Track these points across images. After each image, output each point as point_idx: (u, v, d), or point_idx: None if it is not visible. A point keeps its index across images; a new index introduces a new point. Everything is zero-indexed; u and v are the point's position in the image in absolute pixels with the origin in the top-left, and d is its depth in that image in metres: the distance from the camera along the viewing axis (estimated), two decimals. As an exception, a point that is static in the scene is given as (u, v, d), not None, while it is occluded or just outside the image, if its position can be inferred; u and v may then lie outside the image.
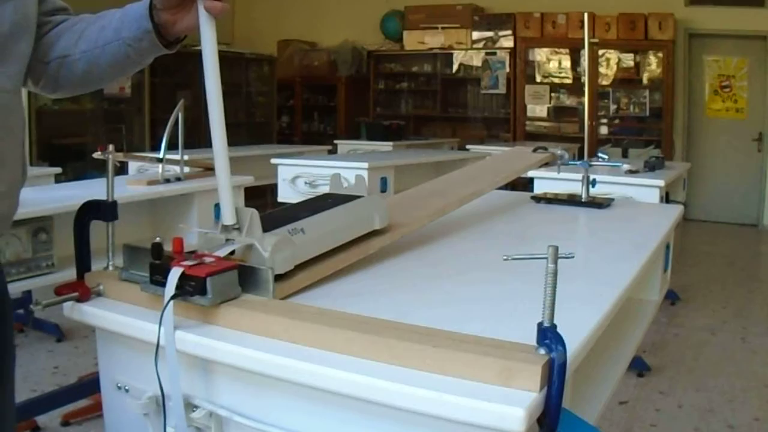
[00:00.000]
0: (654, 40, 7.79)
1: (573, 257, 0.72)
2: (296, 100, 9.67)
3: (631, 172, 3.70)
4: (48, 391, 2.99)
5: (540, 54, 8.54)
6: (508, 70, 8.54)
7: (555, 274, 0.69)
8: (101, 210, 1.04)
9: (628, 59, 8.15)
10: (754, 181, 7.91)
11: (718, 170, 8.04)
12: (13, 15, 1.04)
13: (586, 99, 2.40)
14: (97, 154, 2.10)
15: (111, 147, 1.01)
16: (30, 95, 5.44)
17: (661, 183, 3.62)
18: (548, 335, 0.69)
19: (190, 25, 1.10)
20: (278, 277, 0.92)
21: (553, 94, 8.52)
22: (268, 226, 0.95)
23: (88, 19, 1.19)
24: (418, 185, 1.61)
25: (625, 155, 4.77)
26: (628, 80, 8.17)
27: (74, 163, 6.31)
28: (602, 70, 8.19)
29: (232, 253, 0.92)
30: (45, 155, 6.34)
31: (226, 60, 8.21)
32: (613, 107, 8.16)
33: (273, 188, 4.44)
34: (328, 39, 9.40)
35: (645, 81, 8.13)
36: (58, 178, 3.76)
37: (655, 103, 8.00)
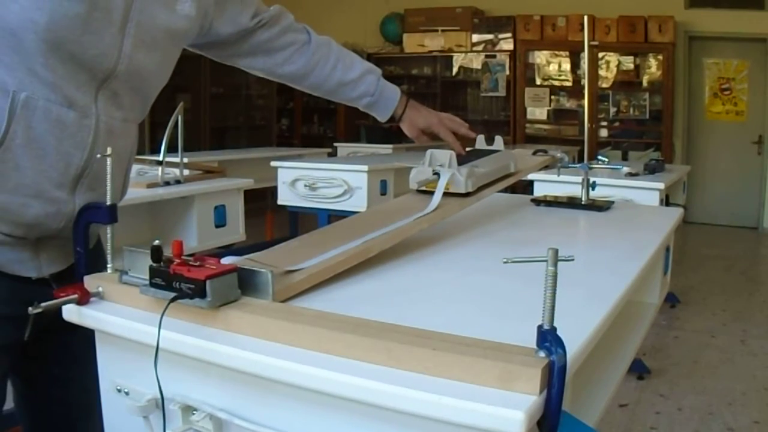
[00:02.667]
0: (654, 43, 7.79)
1: (573, 260, 0.72)
2: (296, 102, 9.68)
3: (631, 175, 3.71)
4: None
5: (540, 56, 8.56)
6: (507, 72, 8.55)
7: (555, 276, 0.69)
8: (101, 212, 1.04)
9: (628, 62, 8.16)
10: (754, 184, 7.92)
11: (718, 173, 8.05)
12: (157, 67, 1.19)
13: (585, 102, 2.40)
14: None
15: (110, 150, 1.01)
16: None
17: (661, 186, 3.62)
18: (548, 338, 0.69)
19: (419, 128, 1.61)
20: (278, 279, 0.92)
21: (552, 97, 8.53)
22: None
23: (327, 65, 1.50)
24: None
25: (625, 158, 4.79)
26: (628, 83, 8.17)
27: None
28: (602, 72, 8.20)
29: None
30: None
31: (226, 62, 8.19)
32: (612, 110, 8.16)
33: (273, 191, 4.44)
34: (328, 41, 9.40)
35: (645, 84, 8.14)
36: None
37: (655, 106, 8.00)
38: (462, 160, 1.48)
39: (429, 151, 1.46)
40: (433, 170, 1.43)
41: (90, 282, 0.94)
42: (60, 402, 1.28)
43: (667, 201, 4.00)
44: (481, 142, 1.77)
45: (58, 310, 0.91)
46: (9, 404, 1.35)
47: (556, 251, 0.70)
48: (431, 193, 1.39)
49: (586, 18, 2.29)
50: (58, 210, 1.10)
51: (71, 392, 1.27)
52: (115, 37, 1.06)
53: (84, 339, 0.98)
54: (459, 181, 1.41)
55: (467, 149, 1.65)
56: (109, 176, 1.00)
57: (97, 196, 1.12)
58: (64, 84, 1.03)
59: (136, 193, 2.89)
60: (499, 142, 1.75)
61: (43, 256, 1.14)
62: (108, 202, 1.02)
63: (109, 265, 0.99)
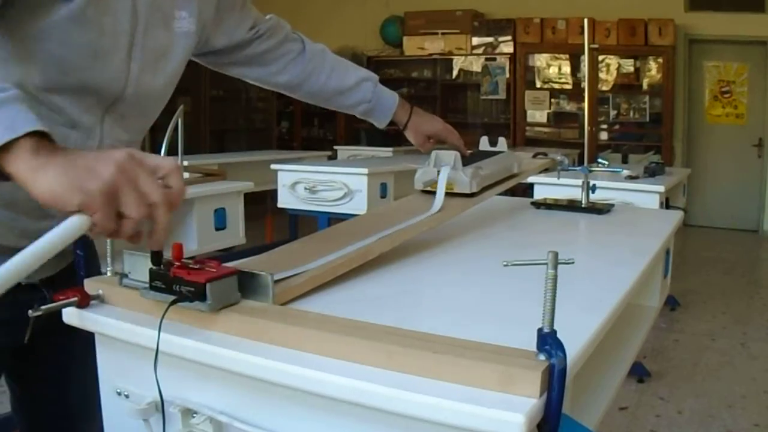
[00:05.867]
0: (654, 46, 7.80)
1: (573, 263, 0.72)
2: (296, 105, 9.67)
3: (631, 178, 3.70)
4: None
5: (540, 59, 8.56)
6: (507, 75, 8.55)
7: (555, 279, 0.69)
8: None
9: (628, 65, 8.16)
10: (754, 187, 7.92)
11: (718, 176, 8.05)
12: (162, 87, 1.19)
13: (586, 104, 2.40)
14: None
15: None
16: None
17: (661, 189, 3.62)
18: (548, 341, 0.69)
19: (425, 134, 1.59)
20: (278, 282, 0.92)
21: (553, 100, 8.53)
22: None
23: (322, 70, 1.49)
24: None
25: (625, 161, 4.77)
26: (628, 86, 8.17)
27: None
28: (602, 75, 8.20)
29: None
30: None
31: (226, 65, 8.20)
32: (613, 113, 8.16)
33: (273, 194, 4.44)
34: (328, 44, 9.20)
35: (645, 86, 8.14)
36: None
37: (655, 109, 8.00)
38: (466, 161, 1.49)
39: (434, 152, 1.48)
40: (438, 171, 1.44)
41: (90, 285, 0.95)
42: (58, 405, 1.28)
43: (667, 204, 4.00)
44: (485, 144, 1.79)
45: (57, 313, 0.91)
46: (6, 408, 1.35)
47: (556, 254, 0.70)
48: (434, 193, 1.41)
49: (586, 21, 2.29)
50: (50, 226, 1.09)
51: (69, 395, 1.27)
52: (123, 61, 1.06)
53: (82, 341, 0.98)
54: (464, 182, 1.43)
55: (470, 151, 1.65)
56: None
57: None
58: (69, 107, 1.03)
59: (136, 195, 2.88)
60: (502, 143, 1.76)
61: None
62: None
63: (109, 268, 0.99)
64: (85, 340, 0.97)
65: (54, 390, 1.27)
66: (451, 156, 1.45)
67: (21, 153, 0.74)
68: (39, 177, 0.74)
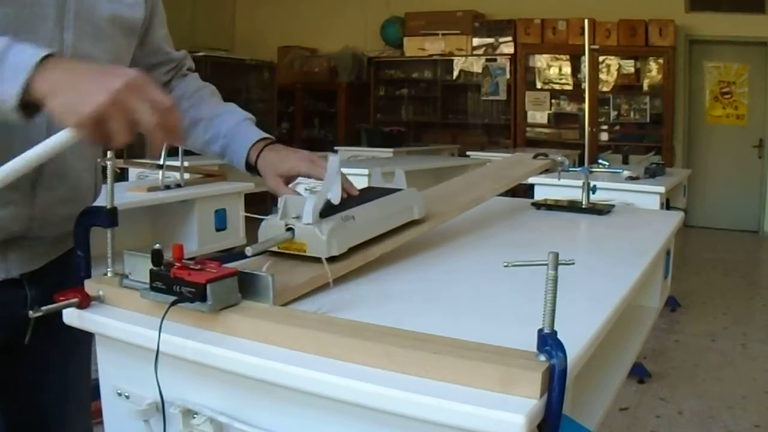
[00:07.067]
0: (654, 47, 7.80)
1: (573, 264, 0.72)
2: (296, 106, 9.69)
3: (631, 179, 3.71)
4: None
5: (540, 60, 8.56)
6: (508, 76, 8.55)
7: (555, 280, 0.69)
8: (101, 216, 1.04)
9: (629, 65, 8.16)
10: (755, 188, 7.92)
11: (718, 177, 8.05)
12: (109, 57, 1.14)
13: (586, 105, 2.40)
14: (97, 161, 2.11)
15: (111, 153, 1.02)
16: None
17: (662, 189, 3.62)
18: (549, 342, 0.69)
19: (279, 174, 1.27)
20: (279, 283, 0.92)
21: (553, 101, 8.53)
22: (322, 214, 1.04)
23: (196, 108, 1.34)
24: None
25: (625, 162, 4.77)
26: (628, 86, 8.17)
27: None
28: (602, 76, 8.20)
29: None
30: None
31: (226, 66, 8.22)
32: (613, 114, 8.16)
33: (273, 195, 4.44)
34: (328, 45, 9.42)
35: (645, 87, 8.14)
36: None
37: (655, 110, 8.00)
38: (336, 206, 1.09)
39: (281, 199, 1.10)
40: (287, 224, 1.05)
41: (90, 286, 0.95)
42: (32, 410, 1.25)
43: (667, 205, 4.00)
44: (377, 178, 1.38)
45: (37, 319, 0.90)
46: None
47: (557, 255, 0.70)
48: (288, 256, 1.05)
49: (586, 21, 2.29)
50: (16, 213, 1.08)
51: (47, 399, 1.24)
52: (51, 30, 1.04)
53: (62, 347, 0.97)
54: (318, 241, 1.02)
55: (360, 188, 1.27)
56: (110, 179, 1.00)
57: (59, 196, 1.11)
58: None
59: (136, 196, 2.89)
60: (400, 177, 1.31)
61: (11, 257, 1.12)
62: (108, 206, 1.02)
63: (109, 269, 0.99)
64: (63, 347, 0.96)
65: (31, 395, 1.24)
66: (303, 202, 1.05)
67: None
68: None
